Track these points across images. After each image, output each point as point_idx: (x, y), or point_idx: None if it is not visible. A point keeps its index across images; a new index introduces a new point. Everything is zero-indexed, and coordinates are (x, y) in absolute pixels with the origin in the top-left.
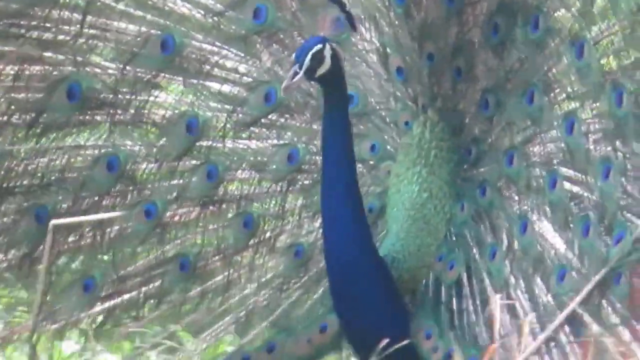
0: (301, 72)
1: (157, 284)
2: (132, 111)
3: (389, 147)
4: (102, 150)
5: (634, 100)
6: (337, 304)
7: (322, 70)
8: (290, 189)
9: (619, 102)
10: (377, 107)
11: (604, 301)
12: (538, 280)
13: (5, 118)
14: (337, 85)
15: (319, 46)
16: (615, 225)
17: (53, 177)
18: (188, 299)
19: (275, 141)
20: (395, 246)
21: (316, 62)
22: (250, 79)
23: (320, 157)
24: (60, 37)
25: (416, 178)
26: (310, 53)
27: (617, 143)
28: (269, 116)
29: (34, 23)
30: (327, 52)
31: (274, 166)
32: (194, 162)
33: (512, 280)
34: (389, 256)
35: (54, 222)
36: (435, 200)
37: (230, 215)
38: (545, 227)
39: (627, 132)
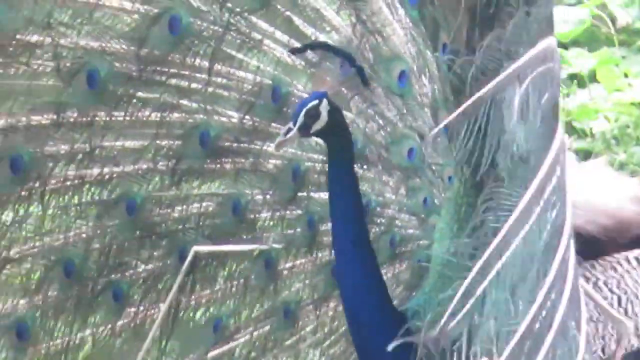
0: (294, 129)
1: (266, 329)
2: (251, 160)
3: (436, 201)
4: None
5: None
6: (360, 356)
7: (317, 127)
8: None
9: None
10: (430, 161)
11: None
12: None
13: (152, 165)
14: (338, 141)
15: (315, 102)
16: None
17: (193, 224)
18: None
19: None
20: (420, 300)
21: (310, 118)
22: None
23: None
24: (194, 85)
25: (448, 233)
26: (304, 110)
27: None
28: None
29: (173, 70)
30: (324, 108)
31: None
32: (298, 211)
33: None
34: (411, 309)
35: (196, 248)
36: (458, 256)
37: (323, 263)
38: None
39: None
